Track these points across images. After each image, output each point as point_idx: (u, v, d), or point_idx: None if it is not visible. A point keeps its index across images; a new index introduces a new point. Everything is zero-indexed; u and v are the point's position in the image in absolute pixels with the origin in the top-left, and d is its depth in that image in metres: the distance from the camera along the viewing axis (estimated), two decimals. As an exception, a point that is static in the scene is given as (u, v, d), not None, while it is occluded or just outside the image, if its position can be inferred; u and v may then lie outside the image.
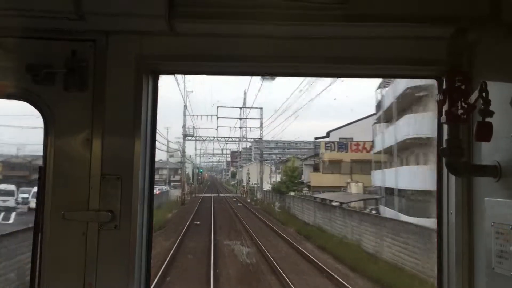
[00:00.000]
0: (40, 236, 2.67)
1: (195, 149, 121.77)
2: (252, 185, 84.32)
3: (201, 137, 77.87)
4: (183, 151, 74.93)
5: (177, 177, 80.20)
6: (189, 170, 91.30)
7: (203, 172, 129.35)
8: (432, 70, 2.87)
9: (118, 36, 2.75)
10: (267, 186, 73.46)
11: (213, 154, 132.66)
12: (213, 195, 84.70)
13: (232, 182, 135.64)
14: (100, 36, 2.73)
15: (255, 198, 72.80)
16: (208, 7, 2.63)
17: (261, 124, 76.94)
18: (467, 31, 2.54)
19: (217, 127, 72.69)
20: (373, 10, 2.63)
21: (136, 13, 2.59)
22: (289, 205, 50.00)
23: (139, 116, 2.77)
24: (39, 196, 2.68)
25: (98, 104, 2.71)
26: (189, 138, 75.93)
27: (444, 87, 2.59)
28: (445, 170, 2.82)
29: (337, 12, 2.62)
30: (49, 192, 2.68)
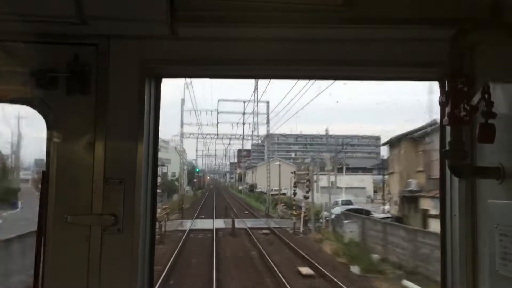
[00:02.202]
0: (43, 240, 2.67)
1: (196, 150, 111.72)
2: (283, 194, 63.30)
3: (201, 134, 72.48)
4: (182, 151, 66.34)
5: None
6: (177, 168, 69.26)
7: (199, 172, 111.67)
8: (434, 72, 2.86)
9: (120, 40, 2.76)
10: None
11: (215, 155, 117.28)
12: (219, 221, 42.63)
13: (240, 187, 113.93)
14: (102, 40, 2.73)
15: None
16: (210, 11, 2.64)
17: (268, 119, 72.62)
18: (469, 32, 2.54)
19: (217, 122, 69.80)
20: (375, 12, 2.63)
21: (138, 18, 2.59)
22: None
23: (142, 119, 2.77)
24: (42, 200, 2.68)
25: (100, 108, 2.72)
26: (188, 135, 69.87)
27: (446, 89, 2.59)
28: (448, 172, 2.82)
29: (339, 14, 2.62)
30: (52, 196, 2.68)
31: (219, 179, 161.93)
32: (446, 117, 2.53)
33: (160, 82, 2.96)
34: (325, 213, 41.55)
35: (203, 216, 49.76)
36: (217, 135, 72.64)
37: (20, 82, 2.68)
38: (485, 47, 2.66)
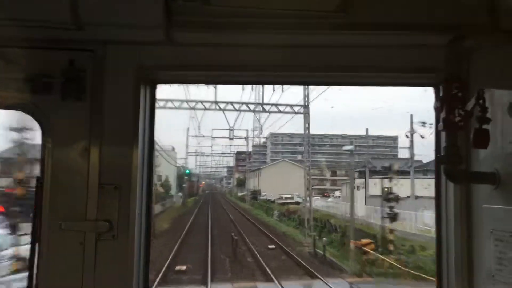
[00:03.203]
0: (37, 246, 2.65)
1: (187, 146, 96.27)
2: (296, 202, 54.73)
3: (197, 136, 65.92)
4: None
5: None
6: (163, 169, 57.72)
7: (191, 175, 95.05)
8: (430, 78, 2.87)
9: (116, 46, 2.76)
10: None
11: (211, 154, 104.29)
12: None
13: (240, 193, 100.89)
14: (98, 46, 2.73)
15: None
16: (206, 16, 2.64)
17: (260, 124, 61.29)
18: (465, 38, 2.55)
19: (213, 136, 64.20)
20: (370, 18, 2.64)
21: (134, 23, 2.60)
22: None
23: (137, 125, 2.76)
24: (37, 206, 2.66)
25: (96, 113, 2.71)
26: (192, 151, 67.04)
27: (441, 94, 2.59)
28: (443, 177, 2.82)
29: (335, 20, 2.63)
30: (46, 202, 2.66)
31: (215, 185, 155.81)
32: (441, 123, 2.54)
33: (155, 87, 2.96)
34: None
35: (183, 267, 24.07)
36: (213, 137, 67.63)
37: (15, 88, 2.67)
38: (480, 53, 2.67)
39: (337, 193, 71.24)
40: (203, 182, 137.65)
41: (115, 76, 2.75)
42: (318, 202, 52.78)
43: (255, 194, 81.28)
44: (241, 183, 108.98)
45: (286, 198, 62.94)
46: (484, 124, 2.42)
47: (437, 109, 2.60)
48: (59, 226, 2.63)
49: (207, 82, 3.25)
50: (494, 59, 2.57)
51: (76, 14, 2.45)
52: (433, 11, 2.62)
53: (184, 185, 79.83)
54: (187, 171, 78.63)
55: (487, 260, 2.49)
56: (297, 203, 57.47)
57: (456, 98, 2.50)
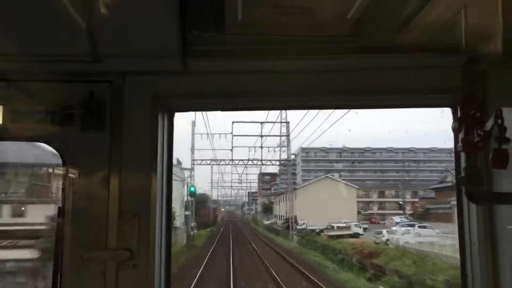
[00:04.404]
0: (59, 277, 2.67)
1: (211, 180, 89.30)
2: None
3: (215, 160, 54.47)
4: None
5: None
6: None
7: (197, 195, 63.40)
8: (446, 98, 2.86)
9: (134, 76, 2.82)
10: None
11: (231, 185, 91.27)
12: None
13: (267, 222, 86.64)
14: (116, 77, 2.79)
15: None
16: (221, 45, 2.69)
17: (288, 140, 54.96)
18: (480, 59, 2.54)
19: (232, 147, 50.93)
20: (384, 41, 2.65)
21: (151, 54, 2.65)
22: None
23: (155, 153, 2.79)
24: (58, 236, 2.69)
25: (115, 143, 2.75)
26: (199, 162, 53.69)
27: (459, 115, 2.58)
28: (465, 199, 2.78)
29: (349, 45, 2.66)
30: (67, 232, 2.69)
31: (235, 211, 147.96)
32: (460, 143, 2.51)
33: (173, 116, 3.00)
34: None
35: None
36: (232, 160, 54.79)
37: (37, 120, 2.73)
38: (497, 73, 2.66)
39: (396, 219, 55.22)
40: (222, 209, 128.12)
41: (133, 105, 2.80)
42: (403, 237, 37.83)
43: (288, 222, 60.15)
44: (266, 209, 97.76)
45: (339, 228, 45.43)
46: (504, 144, 2.39)
47: (455, 130, 2.58)
48: (81, 256, 2.64)
49: (224, 109, 3.27)
50: (510, 79, 2.55)
51: (95, 46, 2.51)
52: (447, 33, 2.62)
53: (188, 212, 56.01)
54: (192, 189, 53.87)
55: None
56: (356, 235, 44.43)
57: (474, 118, 2.48)
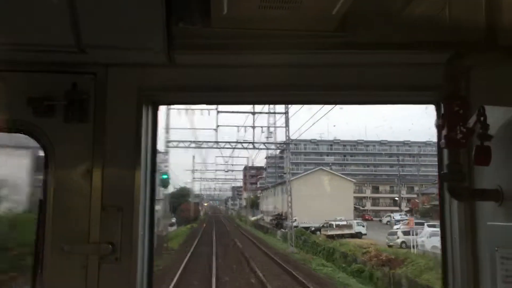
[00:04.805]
0: (40, 269, 2.64)
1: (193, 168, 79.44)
2: None
3: (196, 142, 45.12)
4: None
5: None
6: None
7: (167, 184, 47.83)
8: (430, 95, 2.89)
9: (118, 68, 2.79)
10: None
11: (215, 174, 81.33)
12: None
13: (253, 218, 79.14)
14: (100, 68, 2.76)
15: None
16: (207, 38, 2.67)
17: (287, 119, 40.01)
18: (464, 56, 2.57)
19: (217, 126, 41.51)
20: (370, 38, 2.66)
21: (136, 46, 2.63)
22: None
23: (139, 146, 2.77)
24: (39, 229, 2.66)
25: (98, 135, 2.72)
26: (175, 144, 43.91)
27: (442, 112, 2.60)
28: (447, 195, 2.81)
29: (335, 40, 2.66)
30: (49, 225, 2.66)
31: (219, 206, 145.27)
32: (443, 140, 2.54)
33: (157, 109, 2.98)
34: None
35: None
36: (218, 142, 45.06)
37: (18, 111, 2.68)
38: (480, 70, 2.69)
39: (396, 216, 50.08)
40: (205, 204, 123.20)
41: (117, 98, 2.77)
42: (430, 240, 30.26)
43: (279, 219, 53.68)
44: (253, 204, 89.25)
45: (339, 226, 39.19)
46: (486, 141, 2.42)
47: (439, 127, 2.61)
48: (62, 249, 2.61)
49: (208, 103, 3.27)
50: (493, 76, 2.58)
51: (78, 37, 2.48)
52: (431, 30, 2.65)
53: (159, 207, 41.82)
54: (164, 176, 43.40)
55: (493, 278, 2.46)
56: (359, 235, 39.11)
57: (457, 115, 2.51)
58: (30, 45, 2.54)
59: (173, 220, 50.65)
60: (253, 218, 76.58)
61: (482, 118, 2.43)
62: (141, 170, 2.76)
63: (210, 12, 2.52)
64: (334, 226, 39.58)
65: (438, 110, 2.85)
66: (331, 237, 38.38)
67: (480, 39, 2.60)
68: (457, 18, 2.62)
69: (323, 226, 41.74)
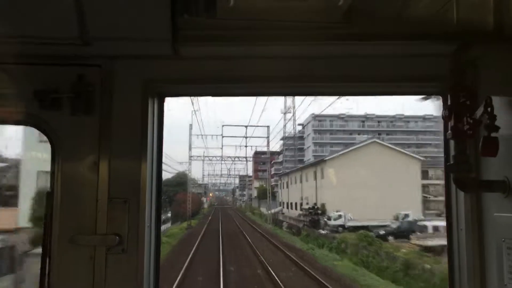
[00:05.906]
0: (48, 260, 2.67)
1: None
2: None
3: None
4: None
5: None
6: None
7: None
8: (437, 86, 2.87)
9: (124, 60, 2.79)
10: None
11: (221, 158, 73.12)
12: None
13: (265, 210, 63.20)
14: (106, 60, 2.76)
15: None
16: (213, 30, 2.66)
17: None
18: (470, 47, 2.55)
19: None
20: (376, 29, 2.64)
21: (141, 38, 2.63)
22: None
23: (146, 138, 2.78)
24: (47, 220, 2.68)
25: (104, 127, 2.73)
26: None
27: (449, 103, 2.59)
28: (453, 186, 2.80)
29: (341, 31, 2.65)
30: (56, 217, 2.68)
31: (226, 197, 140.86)
32: (449, 131, 2.53)
33: (163, 101, 2.98)
34: None
35: None
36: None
37: (24, 104, 2.70)
38: (487, 61, 2.66)
39: None
40: (211, 194, 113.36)
41: (123, 90, 2.78)
42: None
43: (316, 214, 37.67)
44: (261, 195, 75.40)
45: (437, 229, 24.37)
46: (493, 132, 2.40)
47: (445, 118, 2.60)
48: (69, 240, 2.64)
49: (214, 94, 3.26)
50: (500, 66, 2.56)
51: (84, 29, 2.48)
52: (437, 20, 2.62)
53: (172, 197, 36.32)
54: None
55: (499, 269, 2.46)
56: None
57: (464, 106, 2.50)
58: (36, 38, 2.55)
59: (168, 215, 39.37)
60: (266, 212, 60.43)
61: (489, 109, 2.41)
62: (147, 162, 2.77)
63: (216, 3, 2.52)
64: (431, 230, 24.55)
65: (444, 101, 2.84)
66: (430, 249, 23.00)
67: (487, 30, 2.58)
68: (463, 9, 2.59)
69: (387, 226, 26.44)
